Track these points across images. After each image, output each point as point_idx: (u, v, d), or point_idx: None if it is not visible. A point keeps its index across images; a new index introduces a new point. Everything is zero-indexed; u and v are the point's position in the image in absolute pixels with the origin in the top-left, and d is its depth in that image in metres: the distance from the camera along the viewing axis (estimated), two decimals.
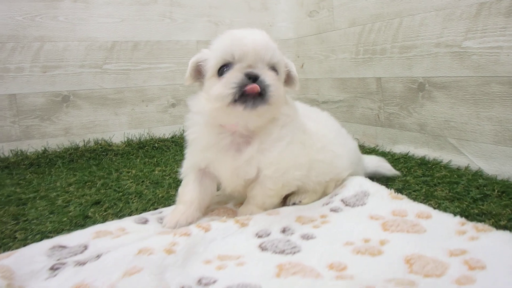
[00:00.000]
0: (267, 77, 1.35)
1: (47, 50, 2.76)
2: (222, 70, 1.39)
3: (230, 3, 3.37)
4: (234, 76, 1.34)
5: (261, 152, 1.47)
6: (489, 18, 1.90)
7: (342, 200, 1.56)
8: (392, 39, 2.46)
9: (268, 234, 1.31)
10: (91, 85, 2.91)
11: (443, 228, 1.29)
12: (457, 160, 2.13)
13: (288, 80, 1.57)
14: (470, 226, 1.26)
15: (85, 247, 1.27)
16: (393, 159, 2.28)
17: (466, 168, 2.04)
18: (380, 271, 1.08)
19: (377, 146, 2.65)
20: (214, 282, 1.04)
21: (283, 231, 1.34)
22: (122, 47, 2.99)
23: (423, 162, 2.17)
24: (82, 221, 1.60)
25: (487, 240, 1.16)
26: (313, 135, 1.63)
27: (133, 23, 3.02)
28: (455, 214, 1.38)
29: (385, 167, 2.06)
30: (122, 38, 2.99)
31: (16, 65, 2.68)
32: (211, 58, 1.43)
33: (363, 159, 1.98)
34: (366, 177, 1.82)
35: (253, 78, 1.33)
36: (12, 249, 1.32)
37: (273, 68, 1.42)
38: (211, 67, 1.43)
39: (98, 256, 1.14)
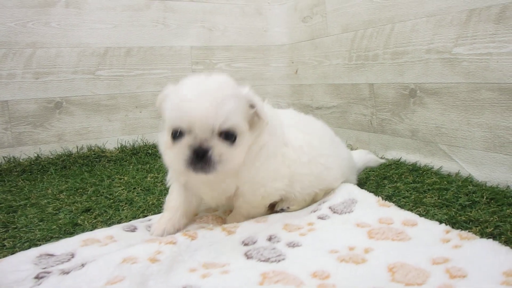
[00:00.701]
0: (216, 150, 1.30)
1: (39, 56, 2.76)
2: (175, 133, 1.35)
3: (224, 9, 3.38)
4: (182, 152, 1.31)
5: (235, 175, 1.45)
6: (479, 24, 1.91)
7: (330, 208, 1.57)
8: (384, 45, 2.47)
9: (254, 242, 1.32)
10: (84, 91, 2.91)
11: (428, 236, 1.30)
12: (448, 166, 2.13)
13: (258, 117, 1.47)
14: (454, 234, 1.28)
15: (72, 255, 1.28)
16: (385, 165, 2.29)
17: (457, 174, 2.05)
18: (363, 279, 1.09)
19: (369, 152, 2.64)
20: None
21: (270, 239, 1.35)
22: (115, 53, 3.00)
23: (414, 168, 2.18)
24: (71, 229, 1.61)
25: (470, 248, 1.18)
26: (299, 149, 1.61)
27: (126, 29, 3.03)
28: (442, 221, 1.41)
29: (373, 160, 2.19)
30: (115, 44, 2.99)
31: (8, 71, 2.68)
32: (165, 114, 1.41)
33: (355, 165, 2.01)
34: (357, 171, 1.93)
35: (201, 155, 1.30)
36: (0, 257, 1.33)
37: (227, 133, 1.34)
38: (166, 125, 1.40)
39: (83, 265, 1.14)
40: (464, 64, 1.99)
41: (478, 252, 1.15)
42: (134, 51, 3.06)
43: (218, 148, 1.31)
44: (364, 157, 2.23)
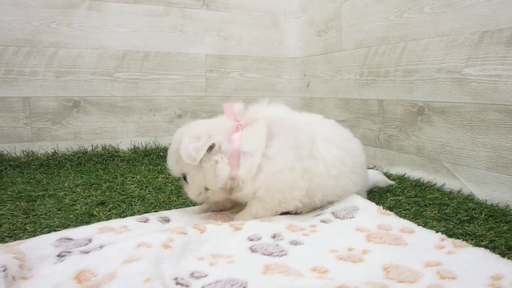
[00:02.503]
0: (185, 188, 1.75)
1: (61, 56, 2.86)
2: None
3: (240, 19, 3.45)
4: None
5: (252, 181, 1.62)
6: (490, 46, 1.93)
7: (332, 213, 1.63)
8: (395, 63, 2.51)
9: (259, 238, 1.40)
10: (102, 92, 3.00)
11: (423, 243, 1.35)
12: (451, 184, 2.16)
13: None
14: (449, 242, 1.33)
15: (90, 240, 1.36)
16: (389, 179, 2.31)
17: (458, 192, 2.07)
18: (359, 275, 1.16)
19: (375, 166, 2.69)
20: (205, 276, 1.12)
21: (274, 236, 1.42)
22: (133, 56, 3.08)
23: (417, 184, 2.21)
24: (87, 219, 1.70)
25: (462, 255, 1.23)
26: (330, 163, 1.67)
27: (144, 33, 3.11)
28: (438, 232, 1.43)
29: (383, 181, 2.18)
30: (133, 48, 3.08)
31: (30, 69, 2.78)
32: None
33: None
34: (367, 191, 1.98)
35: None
36: (23, 240, 1.40)
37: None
38: None
39: (101, 247, 1.24)
40: (473, 84, 2.01)
41: (469, 258, 1.20)
42: (151, 55, 3.14)
43: (185, 186, 1.75)
44: (374, 178, 2.21)
